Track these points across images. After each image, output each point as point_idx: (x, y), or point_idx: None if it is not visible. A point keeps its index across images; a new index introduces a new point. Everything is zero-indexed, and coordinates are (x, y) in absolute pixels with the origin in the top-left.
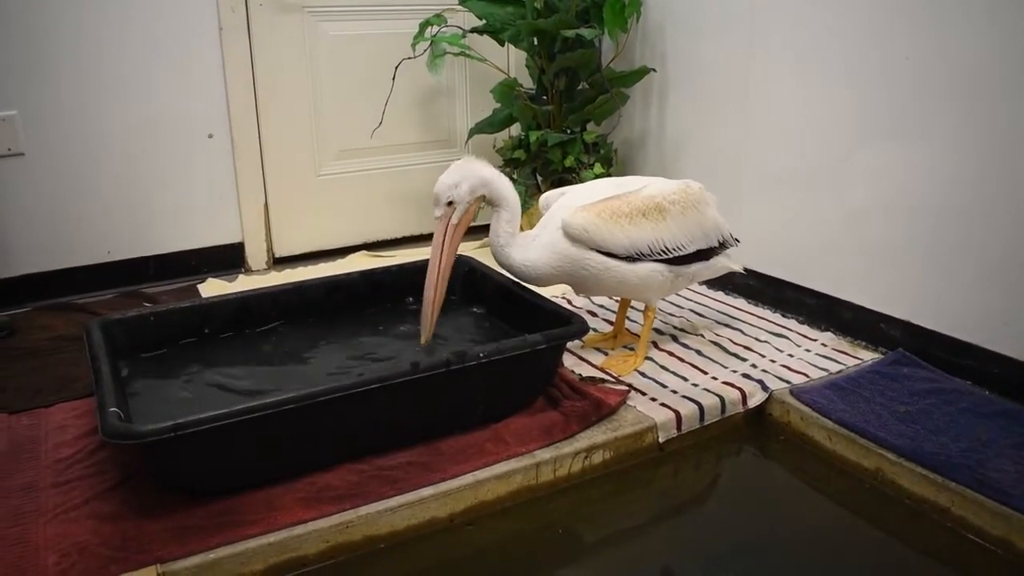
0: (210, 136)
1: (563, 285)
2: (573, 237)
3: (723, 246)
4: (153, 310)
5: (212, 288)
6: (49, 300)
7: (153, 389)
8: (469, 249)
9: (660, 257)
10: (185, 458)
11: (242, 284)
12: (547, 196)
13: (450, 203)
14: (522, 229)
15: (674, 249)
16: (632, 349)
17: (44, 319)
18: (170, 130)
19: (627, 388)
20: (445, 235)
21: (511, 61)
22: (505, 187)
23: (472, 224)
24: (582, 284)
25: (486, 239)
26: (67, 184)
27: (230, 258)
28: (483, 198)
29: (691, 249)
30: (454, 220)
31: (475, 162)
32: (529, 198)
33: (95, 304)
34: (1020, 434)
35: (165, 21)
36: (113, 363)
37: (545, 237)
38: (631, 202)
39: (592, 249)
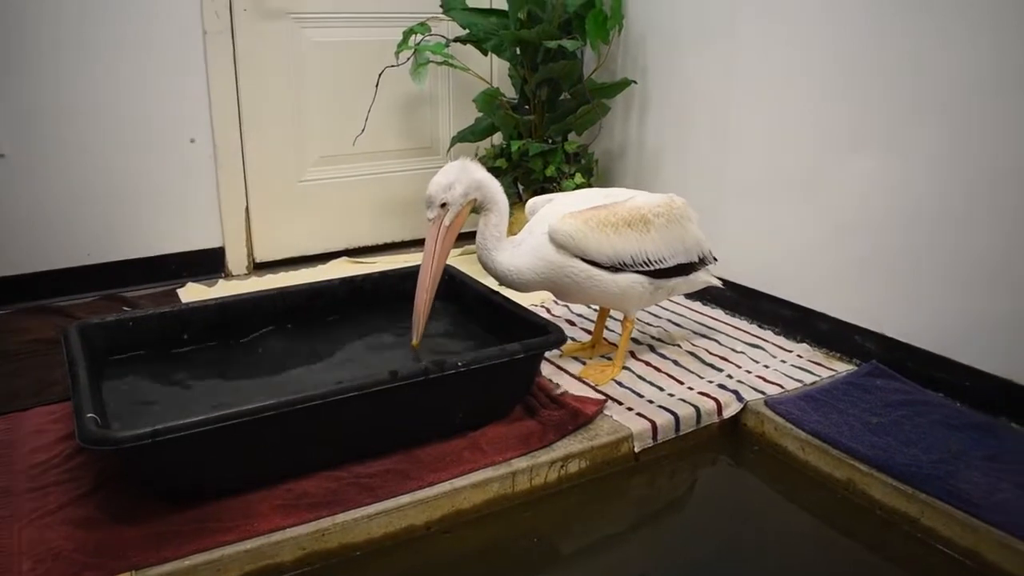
0: (192, 141)
1: (544, 293)
2: (559, 243)
3: (702, 262)
4: (132, 315)
5: (192, 293)
6: (28, 303)
7: (131, 394)
8: (450, 257)
9: (642, 269)
10: (162, 465)
11: (222, 289)
12: (534, 202)
13: (443, 205)
14: None
15: (656, 261)
16: (610, 359)
17: (22, 322)
18: (152, 134)
19: (604, 398)
20: (438, 237)
21: (494, 71)
22: (497, 191)
23: None
24: (564, 291)
25: (467, 246)
26: (47, 186)
27: (210, 263)
28: (474, 201)
29: (672, 263)
30: (446, 222)
31: (469, 164)
32: (511, 207)
33: (74, 307)
34: (990, 446)
35: (149, 25)
36: (91, 368)
37: (530, 242)
38: (617, 212)
39: (576, 257)
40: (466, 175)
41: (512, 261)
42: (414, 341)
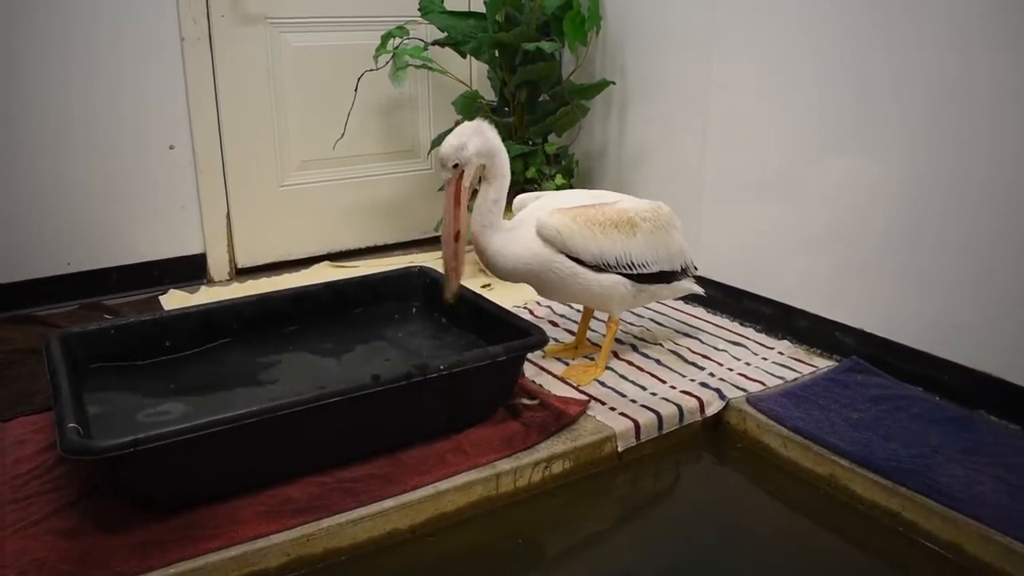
0: (171, 147)
1: (528, 293)
2: (546, 237)
3: (684, 272)
4: (113, 323)
5: (174, 300)
6: (8, 312)
7: (113, 403)
8: (430, 260)
9: (625, 272)
10: (145, 473)
11: (204, 295)
12: (523, 198)
13: (455, 166)
14: None
15: (640, 265)
16: (593, 359)
17: (3, 331)
18: (131, 140)
19: (587, 398)
20: (455, 194)
21: (473, 73)
22: (505, 163)
23: (433, 235)
24: (547, 287)
25: None
26: (27, 194)
27: (192, 269)
28: (483, 168)
29: (655, 268)
30: (465, 183)
31: (484, 126)
32: None
33: (55, 316)
34: (969, 440)
35: (126, 31)
36: (72, 377)
37: (521, 232)
38: (605, 212)
39: (562, 253)
40: (479, 137)
41: (504, 245)
42: (447, 295)
